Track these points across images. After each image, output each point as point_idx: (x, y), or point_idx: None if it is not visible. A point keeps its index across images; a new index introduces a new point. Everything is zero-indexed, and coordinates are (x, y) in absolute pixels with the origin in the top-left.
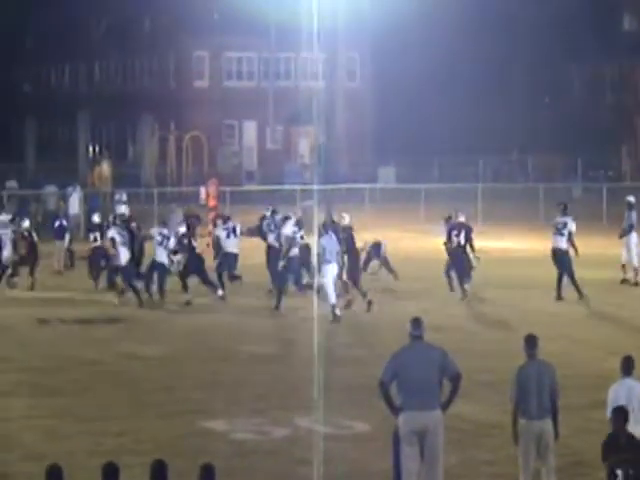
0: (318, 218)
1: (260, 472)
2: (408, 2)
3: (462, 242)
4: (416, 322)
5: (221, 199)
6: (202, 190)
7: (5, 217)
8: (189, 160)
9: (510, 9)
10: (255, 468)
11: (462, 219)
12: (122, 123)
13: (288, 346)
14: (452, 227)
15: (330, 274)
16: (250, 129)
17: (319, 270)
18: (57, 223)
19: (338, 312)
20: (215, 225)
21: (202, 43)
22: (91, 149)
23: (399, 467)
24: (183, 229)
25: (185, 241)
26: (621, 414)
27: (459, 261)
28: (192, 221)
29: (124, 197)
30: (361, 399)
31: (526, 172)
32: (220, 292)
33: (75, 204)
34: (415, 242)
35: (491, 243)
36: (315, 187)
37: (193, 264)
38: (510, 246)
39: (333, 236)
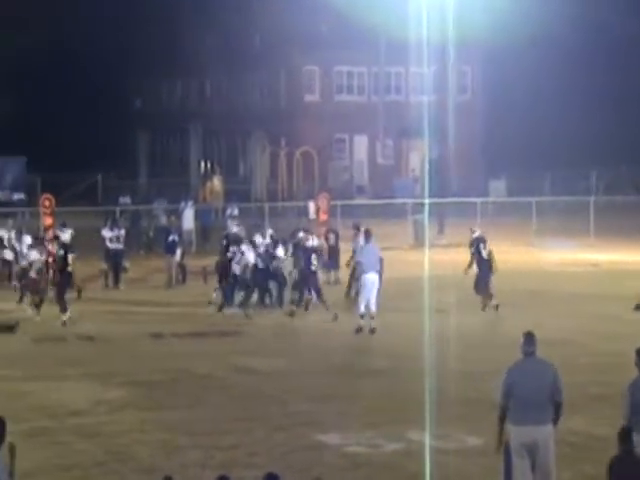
0: (429, 231)
1: None
2: (520, 14)
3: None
4: (529, 337)
5: (332, 213)
6: (311, 204)
7: (118, 233)
8: (300, 175)
9: (625, 22)
10: None
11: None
12: (233, 138)
13: (399, 360)
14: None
15: (368, 284)
16: (361, 143)
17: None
18: (170, 238)
19: (373, 324)
20: (327, 239)
21: (312, 57)
22: (202, 164)
23: None
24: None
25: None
26: (628, 436)
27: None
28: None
29: (236, 212)
30: (473, 413)
31: (638, 185)
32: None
33: (188, 219)
34: (526, 256)
35: (602, 256)
36: (426, 201)
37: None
38: (622, 259)
39: (373, 246)
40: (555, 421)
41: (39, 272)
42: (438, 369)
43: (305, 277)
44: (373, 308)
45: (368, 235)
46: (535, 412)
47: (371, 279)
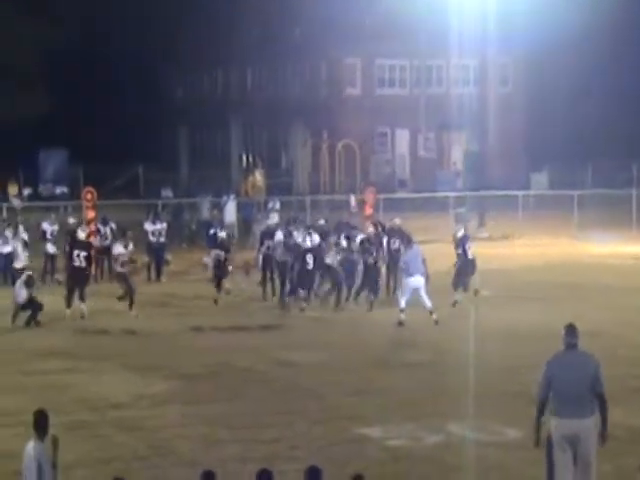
0: (472, 225)
1: (413, 478)
2: (562, 6)
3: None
4: (571, 329)
5: (375, 207)
6: (352, 198)
7: (160, 226)
8: (342, 168)
9: None
10: (408, 474)
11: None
12: (274, 131)
13: (440, 353)
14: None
15: (412, 286)
16: (402, 137)
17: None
18: (212, 231)
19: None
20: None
21: (353, 50)
22: (244, 157)
23: (552, 474)
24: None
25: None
26: None
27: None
28: (343, 228)
29: (277, 205)
30: (514, 405)
31: None
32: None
33: (231, 213)
34: (567, 248)
35: None
36: (468, 194)
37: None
38: None
39: (417, 248)
40: (604, 415)
41: (123, 265)
42: (478, 362)
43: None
44: (428, 304)
45: (409, 239)
46: (576, 404)
47: (415, 282)
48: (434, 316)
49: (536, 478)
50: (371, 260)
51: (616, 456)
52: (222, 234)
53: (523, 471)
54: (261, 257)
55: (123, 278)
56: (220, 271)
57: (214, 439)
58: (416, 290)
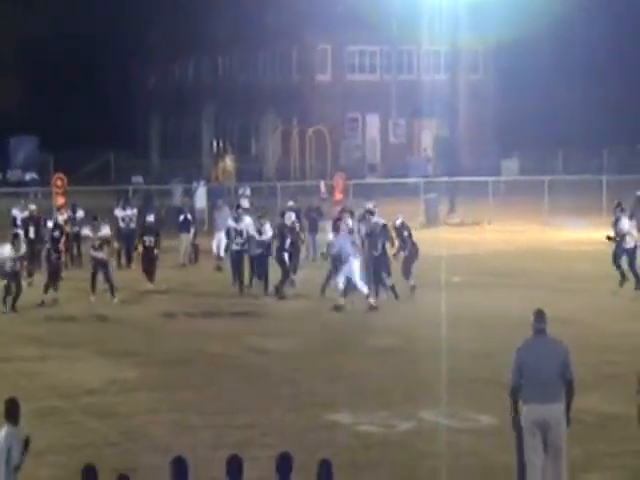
0: (440, 210)
1: (385, 465)
2: None
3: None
4: (539, 315)
5: (344, 192)
6: (322, 184)
7: (131, 212)
8: (312, 154)
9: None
10: (380, 461)
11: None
12: (245, 118)
13: (410, 340)
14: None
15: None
16: (373, 122)
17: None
18: (182, 217)
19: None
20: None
21: (325, 36)
22: (215, 144)
23: (523, 459)
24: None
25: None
26: None
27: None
28: (312, 214)
29: (248, 191)
30: (485, 392)
31: None
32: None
33: (201, 199)
34: (538, 235)
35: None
36: (438, 180)
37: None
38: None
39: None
40: (569, 400)
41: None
42: (449, 348)
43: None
44: (364, 290)
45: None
46: (546, 390)
47: (350, 267)
48: (371, 301)
49: (508, 464)
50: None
51: (586, 441)
52: (150, 218)
53: (495, 457)
54: (230, 253)
55: (101, 265)
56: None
57: (186, 425)
58: (351, 274)
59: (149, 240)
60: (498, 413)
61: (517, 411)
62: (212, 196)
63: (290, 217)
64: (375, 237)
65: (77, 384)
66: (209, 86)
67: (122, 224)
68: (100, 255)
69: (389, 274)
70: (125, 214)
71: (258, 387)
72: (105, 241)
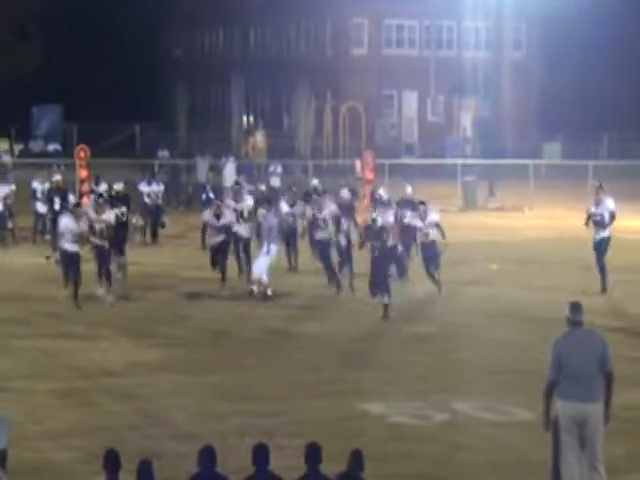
0: (479, 194)
1: (417, 457)
2: None
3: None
4: (576, 306)
5: (379, 172)
6: (357, 163)
7: (157, 188)
8: (346, 131)
9: None
10: (412, 453)
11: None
12: (277, 91)
13: (447, 328)
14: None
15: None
16: (410, 100)
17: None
18: (204, 196)
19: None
20: (372, 199)
21: (361, 9)
22: (245, 118)
23: (558, 455)
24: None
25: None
26: None
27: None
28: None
29: (279, 169)
30: (524, 385)
31: None
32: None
33: (229, 175)
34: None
35: None
36: (477, 162)
37: None
38: None
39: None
40: (608, 395)
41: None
42: (486, 338)
43: None
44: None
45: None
46: (585, 386)
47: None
48: (259, 289)
49: (543, 460)
50: None
51: (630, 439)
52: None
53: (531, 453)
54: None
55: (100, 253)
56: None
57: (211, 411)
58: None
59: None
60: (535, 407)
61: (548, 411)
62: (241, 173)
63: (345, 194)
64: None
65: (99, 365)
66: (239, 57)
67: (147, 199)
68: (101, 242)
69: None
70: (150, 189)
71: (285, 373)
72: (108, 227)
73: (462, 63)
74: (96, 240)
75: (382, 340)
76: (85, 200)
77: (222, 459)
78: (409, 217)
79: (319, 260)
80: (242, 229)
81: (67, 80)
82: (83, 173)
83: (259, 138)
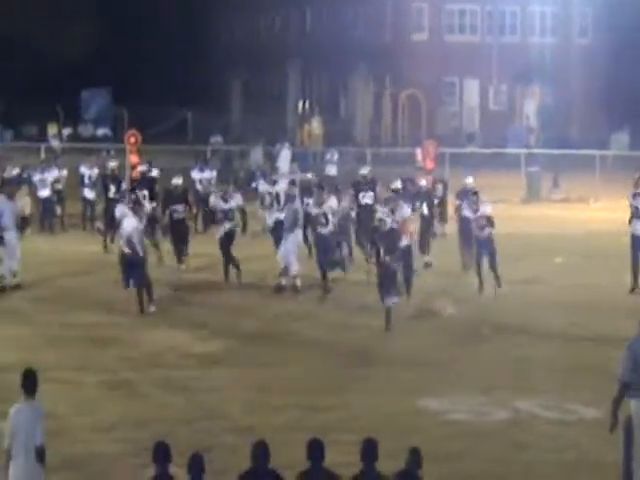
0: (543, 185)
1: (476, 456)
2: None
3: None
4: None
5: (440, 162)
6: (418, 151)
7: (209, 174)
8: (405, 119)
9: None
10: (471, 451)
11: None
12: (334, 76)
13: (511, 323)
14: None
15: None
16: (472, 88)
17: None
18: (253, 184)
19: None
20: (434, 190)
21: None
22: (300, 104)
23: (630, 456)
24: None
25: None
26: None
27: None
28: (406, 185)
29: (335, 157)
30: (592, 383)
31: None
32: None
33: (284, 162)
34: None
35: None
36: (541, 151)
37: None
38: None
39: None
40: None
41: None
42: (552, 334)
43: None
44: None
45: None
46: None
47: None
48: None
49: (614, 462)
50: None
51: None
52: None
53: (599, 454)
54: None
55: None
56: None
57: (266, 404)
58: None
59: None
60: (603, 405)
61: (616, 412)
62: (296, 160)
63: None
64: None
65: (151, 355)
66: (296, 41)
67: (199, 187)
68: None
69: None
70: (202, 176)
71: (342, 367)
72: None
73: (526, 50)
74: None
75: (441, 336)
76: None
77: (276, 453)
78: (463, 208)
79: (317, 256)
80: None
81: (118, 64)
82: (133, 159)
83: (315, 125)
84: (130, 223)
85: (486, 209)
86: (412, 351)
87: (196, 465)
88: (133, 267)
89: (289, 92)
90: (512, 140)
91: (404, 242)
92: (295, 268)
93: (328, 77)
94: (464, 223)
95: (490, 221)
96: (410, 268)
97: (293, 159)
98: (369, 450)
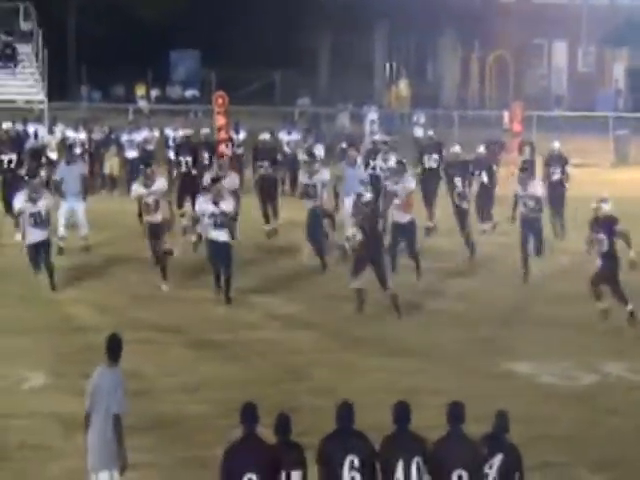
0: (633, 149)
1: (563, 419)
2: None
3: None
4: None
5: (527, 125)
6: (505, 114)
7: (296, 136)
8: (493, 82)
9: None
10: (559, 415)
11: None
12: (421, 38)
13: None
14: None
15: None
16: (560, 50)
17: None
18: (339, 147)
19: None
20: (521, 152)
21: None
22: (388, 66)
23: None
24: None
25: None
26: None
27: None
28: (493, 147)
29: (422, 119)
30: None
31: None
32: None
33: (370, 124)
34: None
35: None
36: (631, 115)
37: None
38: None
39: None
40: None
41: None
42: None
43: None
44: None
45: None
46: None
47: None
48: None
49: None
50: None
51: None
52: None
53: None
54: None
55: (154, 231)
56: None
57: (353, 367)
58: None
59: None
60: None
61: None
62: (382, 123)
63: (481, 149)
64: None
65: (236, 317)
66: (383, 4)
67: (287, 148)
68: (155, 219)
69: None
70: (290, 138)
71: (432, 329)
72: (161, 197)
73: (615, 11)
74: (149, 217)
75: (533, 299)
76: (222, 149)
77: (361, 416)
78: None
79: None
80: None
81: (206, 26)
82: (221, 120)
83: (402, 87)
84: (201, 204)
85: (536, 189)
86: (500, 314)
87: (282, 425)
88: (217, 254)
89: (376, 55)
90: (601, 103)
91: (407, 217)
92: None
93: (415, 41)
94: (552, 188)
95: (539, 202)
96: (414, 244)
97: (380, 121)
98: (455, 413)
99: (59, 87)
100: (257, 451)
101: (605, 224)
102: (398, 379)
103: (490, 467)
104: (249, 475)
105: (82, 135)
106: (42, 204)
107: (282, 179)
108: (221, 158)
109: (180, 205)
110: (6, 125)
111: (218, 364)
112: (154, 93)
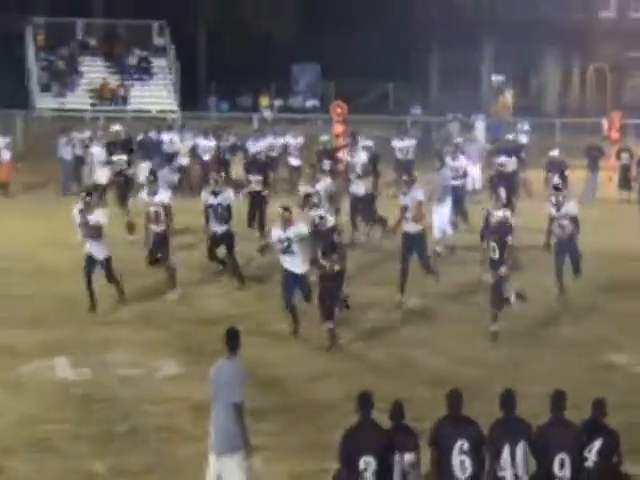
0: None
1: None
2: None
3: None
4: None
5: (625, 132)
6: (604, 122)
7: (408, 143)
8: (592, 92)
9: None
10: None
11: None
12: (525, 52)
13: None
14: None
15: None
16: None
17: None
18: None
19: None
20: (619, 158)
21: None
22: (493, 78)
23: None
24: None
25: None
26: None
27: None
28: (593, 153)
29: (526, 127)
30: None
31: None
32: None
33: (479, 132)
34: None
35: None
36: None
37: None
38: None
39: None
40: None
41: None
42: None
43: None
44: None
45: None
46: None
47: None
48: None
49: None
50: None
51: None
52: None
53: None
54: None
55: (158, 241)
56: None
57: (463, 358)
58: None
59: None
60: None
61: None
62: (490, 130)
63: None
64: None
65: (354, 310)
66: (489, 19)
67: (400, 155)
68: (158, 228)
69: None
70: (402, 145)
71: (535, 324)
72: (164, 208)
73: None
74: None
75: (628, 291)
76: (340, 155)
77: (470, 405)
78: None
79: None
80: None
81: (326, 41)
82: (339, 128)
83: (507, 96)
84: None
85: (571, 208)
86: (593, 306)
87: (397, 411)
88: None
89: (483, 68)
90: None
91: (418, 227)
92: (449, 232)
93: (519, 52)
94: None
95: (575, 222)
96: (425, 254)
97: (488, 129)
98: (558, 400)
99: (190, 98)
100: (373, 435)
101: None
102: (504, 370)
103: (589, 451)
104: (366, 457)
105: (212, 142)
106: (222, 198)
107: (396, 183)
108: (338, 163)
109: None
110: (116, 128)
111: (342, 356)
112: (277, 103)
